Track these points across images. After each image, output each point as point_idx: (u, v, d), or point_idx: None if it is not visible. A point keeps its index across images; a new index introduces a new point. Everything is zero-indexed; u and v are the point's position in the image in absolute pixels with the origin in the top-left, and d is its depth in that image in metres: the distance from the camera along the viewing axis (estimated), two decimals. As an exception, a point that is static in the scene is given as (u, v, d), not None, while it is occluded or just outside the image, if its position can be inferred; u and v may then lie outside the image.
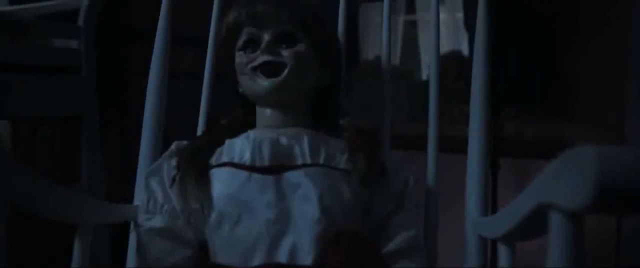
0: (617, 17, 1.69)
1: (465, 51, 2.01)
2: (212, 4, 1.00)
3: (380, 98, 0.97)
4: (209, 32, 0.98)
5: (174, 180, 0.78)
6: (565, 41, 1.79)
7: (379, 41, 2.21)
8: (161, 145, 0.91)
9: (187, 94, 1.03)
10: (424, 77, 2.15)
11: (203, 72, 0.96)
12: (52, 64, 1.57)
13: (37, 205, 0.64)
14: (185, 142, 0.83)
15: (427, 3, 0.97)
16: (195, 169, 0.76)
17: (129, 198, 0.87)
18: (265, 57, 0.77)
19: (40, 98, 1.50)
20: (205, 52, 0.98)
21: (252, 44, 0.80)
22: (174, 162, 0.79)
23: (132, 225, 0.82)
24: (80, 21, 1.59)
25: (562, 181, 0.45)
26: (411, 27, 2.21)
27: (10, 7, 1.91)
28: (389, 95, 0.96)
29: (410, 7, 2.10)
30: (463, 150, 0.91)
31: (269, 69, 0.77)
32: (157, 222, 0.78)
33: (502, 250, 0.71)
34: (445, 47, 2.02)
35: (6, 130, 1.88)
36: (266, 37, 0.78)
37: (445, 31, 2.03)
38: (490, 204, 1.37)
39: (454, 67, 1.94)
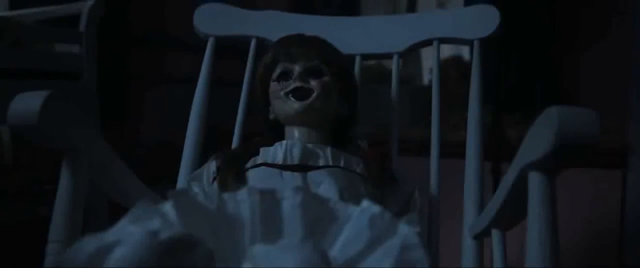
0: (619, 24, 1.69)
1: (466, 56, 2.02)
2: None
3: (382, 102, 0.99)
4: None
5: (214, 179, 0.88)
6: (567, 47, 1.79)
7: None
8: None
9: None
10: (425, 81, 2.15)
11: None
12: (53, 69, 1.57)
13: (105, 179, 0.75)
14: (223, 152, 0.93)
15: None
16: (234, 169, 0.87)
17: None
18: (296, 84, 0.90)
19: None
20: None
21: (285, 76, 0.93)
22: (213, 166, 0.90)
23: None
24: (82, 26, 1.59)
25: (534, 140, 0.56)
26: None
27: (12, 13, 1.91)
28: (396, 113, 1.01)
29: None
30: (465, 155, 0.92)
31: (300, 93, 0.90)
32: None
33: (495, 236, 0.75)
34: (446, 52, 2.02)
35: (7, 135, 1.88)
36: (297, 68, 0.92)
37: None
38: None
39: (455, 71, 1.94)
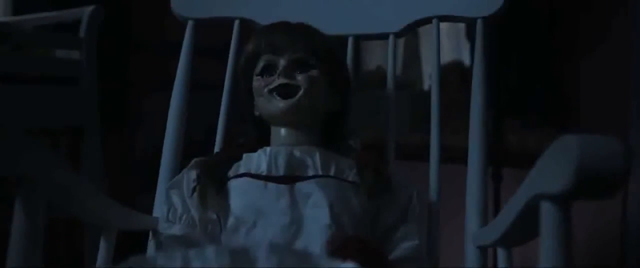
0: (619, 27, 1.69)
1: (467, 61, 2.01)
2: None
3: (382, 108, 0.97)
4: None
5: (194, 190, 0.82)
6: (568, 52, 1.79)
7: (380, 51, 2.21)
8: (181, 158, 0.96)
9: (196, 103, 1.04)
10: (426, 87, 2.15)
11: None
12: (53, 74, 1.57)
13: (71, 203, 0.69)
14: (204, 158, 0.87)
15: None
16: (215, 180, 0.81)
17: (130, 208, 0.88)
18: (281, 80, 0.83)
19: (41, 109, 1.50)
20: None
21: (269, 69, 0.85)
22: (193, 174, 0.84)
23: (151, 235, 0.87)
24: (82, 32, 1.59)
25: (549, 170, 0.50)
26: (412, 37, 2.21)
27: (13, 18, 1.91)
28: (393, 113, 0.97)
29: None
30: (465, 161, 0.91)
31: (285, 91, 0.83)
32: (176, 230, 0.82)
33: (500, 254, 0.73)
34: (447, 57, 2.02)
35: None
36: (282, 62, 0.84)
37: (447, 41, 2.02)
38: (493, 215, 1.35)
39: (455, 77, 1.93)
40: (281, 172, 0.80)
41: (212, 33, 1.07)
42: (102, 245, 0.78)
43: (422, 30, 2.17)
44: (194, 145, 1.00)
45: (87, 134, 1.59)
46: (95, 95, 1.60)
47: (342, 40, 1.01)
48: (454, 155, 1.02)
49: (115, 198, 0.77)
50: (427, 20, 0.99)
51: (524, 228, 0.61)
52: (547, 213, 0.51)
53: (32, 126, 1.62)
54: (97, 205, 0.75)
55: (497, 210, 1.53)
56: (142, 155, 2.18)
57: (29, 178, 0.61)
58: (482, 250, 0.83)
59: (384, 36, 1.00)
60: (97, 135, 1.61)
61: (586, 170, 0.45)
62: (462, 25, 2.04)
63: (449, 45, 2.07)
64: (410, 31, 1.01)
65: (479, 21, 0.95)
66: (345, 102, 0.91)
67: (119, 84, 2.23)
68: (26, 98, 1.45)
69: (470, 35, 1.91)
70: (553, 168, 0.49)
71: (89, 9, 1.61)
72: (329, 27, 0.93)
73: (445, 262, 0.89)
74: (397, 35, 1.00)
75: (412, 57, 2.21)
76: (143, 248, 0.87)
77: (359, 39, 1.03)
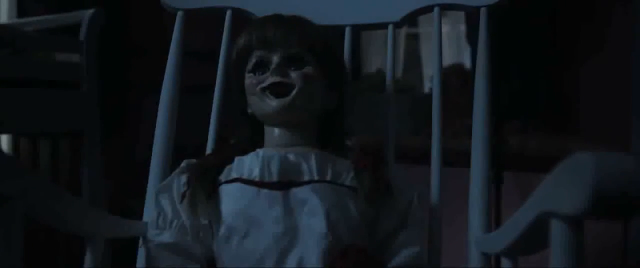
0: (619, 32, 1.69)
1: (467, 64, 2.01)
2: (220, 18, 1.02)
3: (383, 111, 0.95)
4: (216, 49, 1.00)
5: (184, 196, 0.79)
6: (568, 56, 1.79)
7: (380, 54, 2.22)
8: (171, 161, 0.93)
9: (194, 107, 1.02)
10: (426, 90, 2.15)
11: (207, 86, 0.97)
12: (53, 78, 1.57)
13: (52, 217, 0.66)
14: (194, 160, 0.84)
15: (429, 16, 0.98)
16: (206, 185, 0.78)
17: (130, 212, 0.87)
18: (274, 78, 0.80)
19: (42, 112, 1.49)
20: (209, 65, 0.99)
21: (261, 66, 0.82)
22: (184, 178, 0.80)
23: (141, 241, 0.84)
24: (82, 35, 1.59)
25: (562, 188, 0.47)
26: (413, 40, 2.21)
27: (12, 21, 1.91)
28: (393, 115, 0.95)
29: (412, 20, 2.10)
30: (466, 164, 0.90)
31: (278, 90, 0.79)
32: (167, 237, 0.79)
33: (505, 263, 0.71)
34: (447, 60, 2.02)
35: (8, 145, 1.88)
36: (275, 59, 0.80)
37: (447, 44, 2.03)
38: (494, 218, 1.35)
39: (456, 80, 1.93)
40: (275, 178, 0.76)
41: (211, 35, 1.06)
42: (88, 256, 0.75)
43: (423, 32, 2.19)
44: (188, 149, 0.99)
45: (88, 136, 1.59)
46: (95, 98, 1.60)
47: (339, 31, 0.97)
48: (454, 159, 1.01)
49: (115, 201, 0.76)
50: (428, 9, 0.95)
51: (532, 241, 0.59)
52: (558, 231, 0.49)
53: (33, 129, 1.63)
54: (84, 218, 0.72)
55: (497, 213, 1.52)
56: (142, 157, 2.18)
57: (6, 199, 0.57)
58: (485, 255, 0.81)
59: (383, 26, 0.97)
60: (98, 138, 1.61)
61: (602, 191, 0.43)
62: (462, 29, 2.04)
63: (449, 49, 2.07)
64: (411, 21, 0.99)
65: (483, 10, 0.91)
66: (342, 99, 0.87)
67: (119, 86, 2.23)
68: (26, 101, 1.45)
69: (471, 39, 1.91)
70: (566, 187, 0.46)
71: (89, 12, 1.60)
72: (326, 17, 0.90)
73: (445, 263, 0.88)
74: (397, 25, 0.96)
75: (413, 61, 2.21)
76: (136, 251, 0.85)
77: (357, 29, 0.99)
